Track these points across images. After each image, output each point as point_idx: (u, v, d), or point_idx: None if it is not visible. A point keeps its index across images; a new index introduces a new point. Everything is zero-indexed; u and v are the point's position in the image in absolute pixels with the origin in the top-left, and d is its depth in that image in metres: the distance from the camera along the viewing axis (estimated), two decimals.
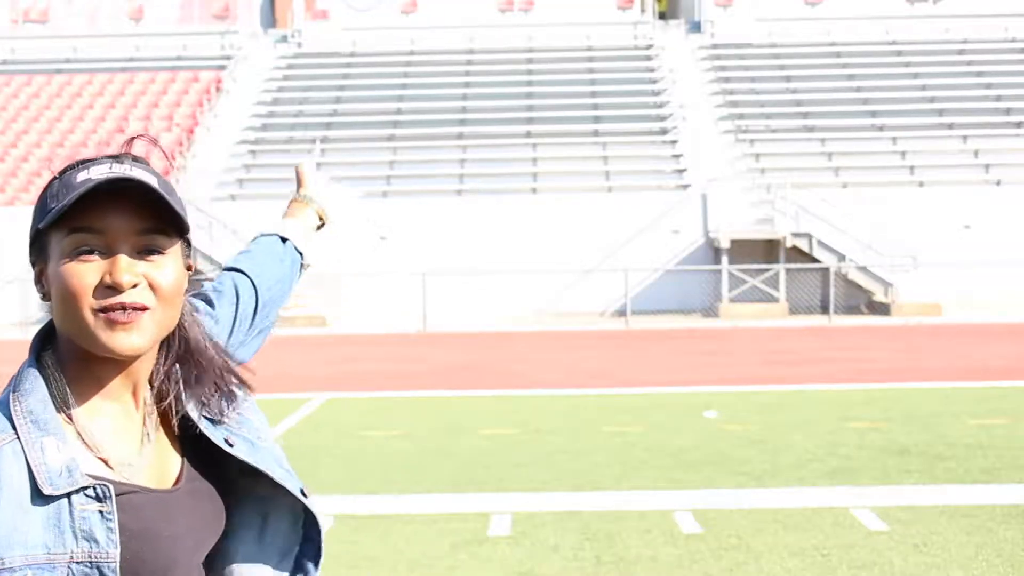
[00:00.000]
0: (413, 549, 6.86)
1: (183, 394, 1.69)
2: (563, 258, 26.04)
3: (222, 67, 33.49)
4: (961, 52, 32.92)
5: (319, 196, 2.29)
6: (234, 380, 1.76)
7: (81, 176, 1.58)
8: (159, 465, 1.65)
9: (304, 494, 1.74)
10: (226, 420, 1.72)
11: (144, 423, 1.65)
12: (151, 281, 1.58)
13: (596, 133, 29.79)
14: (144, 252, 1.58)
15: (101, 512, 1.54)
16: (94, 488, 1.55)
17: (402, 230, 26.49)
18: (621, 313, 24.94)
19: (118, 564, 1.54)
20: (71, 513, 1.53)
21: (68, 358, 1.61)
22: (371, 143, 29.81)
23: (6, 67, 33.82)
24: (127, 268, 1.56)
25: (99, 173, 1.57)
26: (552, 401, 13.05)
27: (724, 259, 25.21)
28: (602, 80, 32.40)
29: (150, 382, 1.67)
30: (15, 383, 1.60)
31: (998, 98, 30.36)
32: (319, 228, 2.28)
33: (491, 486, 8.56)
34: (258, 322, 2.06)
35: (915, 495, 8.06)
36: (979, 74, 31.68)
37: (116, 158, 1.62)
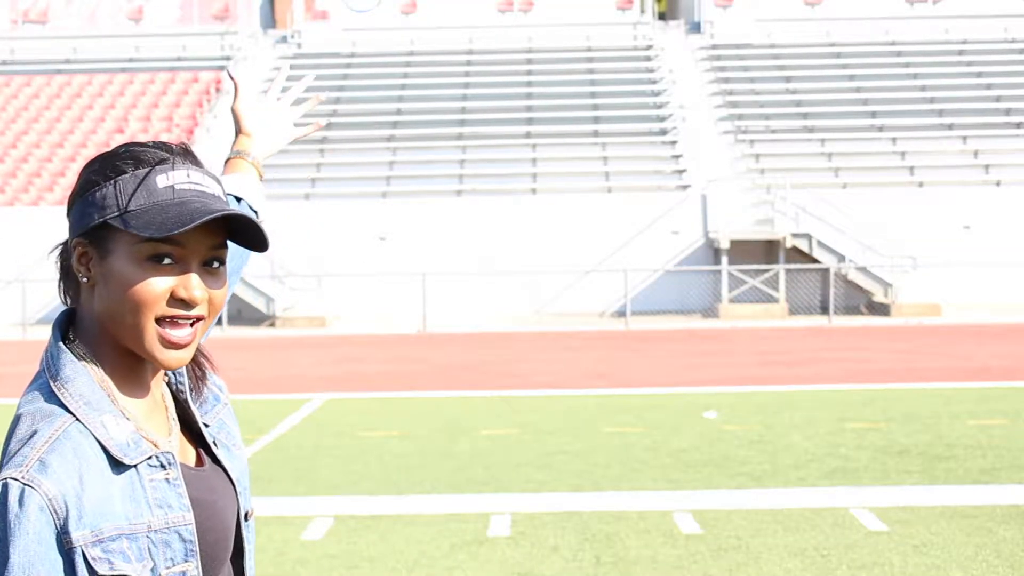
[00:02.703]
0: (413, 549, 6.86)
1: (189, 390, 1.76)
2: (563, 258, 26.04)
3: (222, 68, 33.49)
4: (961, 52, 32.92)
5: (261, 146, 2.25)
6: (217, 376, 1.83)
7: (161, 180, 1.59)
8: (183, 451, 1.70)
9: (246, 517, 1.77)
10: (211, 421, 1.77)
11: (167, 412, 1.70)
12: (210, 295, 1.63)
13: (596, 133, 29.80)
14: (208, 263, 1.62)
15: (167, 479, 1.60)
16: (157, 457, 1.60)
17: (402, 230, 26.49)
18: (621, 313, 24.94)
19: (194, 527, 1.60)
20: (141, 483, 1.58)
21: (103, 349, 1.63)
22: (371, 143, 29.82)
23: (6, 67, 33.82)
24: (199, 285, 1.60)
25: (179, 180, 1.60)
26: (552, 401, 13.05)
27: (724, 259, 25.21)
28: (602, 80, 32.40)
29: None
30: (53, 372, 1.61)
31: (998, 98, 30.36)
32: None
33: (491, 486, 8.56)
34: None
35: (915, 495, 8.06)
36: (979, 74, 31.68)
37: (183, 156, 1.64)
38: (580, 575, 6.31)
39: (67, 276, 1.68)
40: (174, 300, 1.58)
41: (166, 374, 1.73)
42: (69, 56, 34.42)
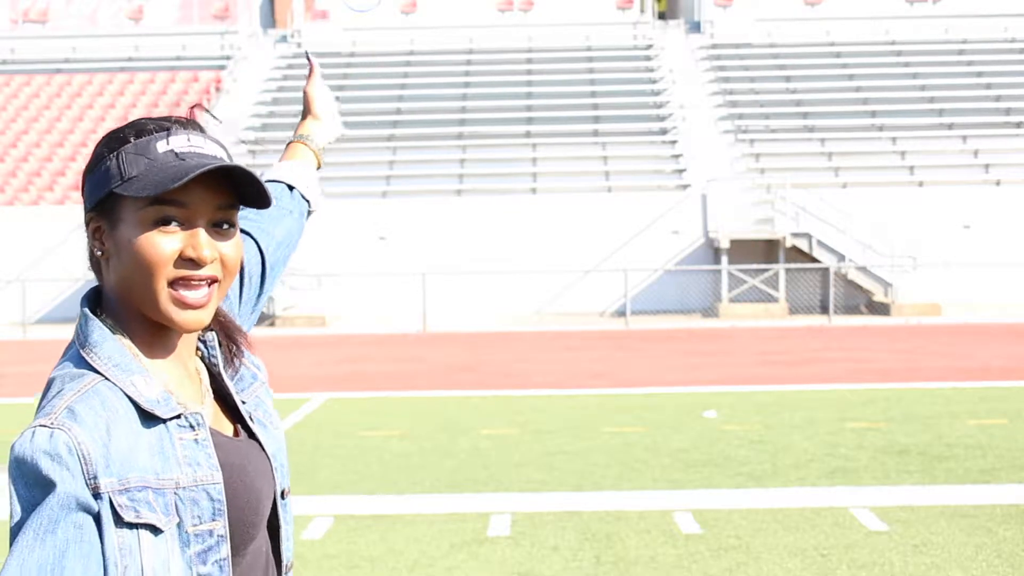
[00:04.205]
0: (413, 549, 6.86)
1: (222, 361, 1.76)
2: (563, 258, 26.04)
3: (222, 67, 33.50)
4: (961, 52, 32.93)
5: (326, 132, 2.25)
6: (249, 350, 1.83)
7: (161, 146, 1.61)
8: (217, 421, 1.71)
9: (283, 495, 1.77)
10: (247, 398, 1.77)
11: (200, 383, 1.71)
12: (222, 255, 1.63)
13: (596, 133, 29.80)
14: (217, 225, 1.63)
15: (196, 440, 1.61)
16: (186, 417, 1.61)
17: (402, 230, 26.49)
18: (621, 313, 24.94)
19: (223, 488, 1.61)
20: (171, 441, 1.59)
21: (129, 323, 1.65)
22: (371, 143, 29.82)
23: (6, 67, 33.82)
24: (208, 243, 1.61)
25: (179, 144, 1.62)
26: (552, 401, 13.04)
27: (724, 259, 25.21)
28: (602, 80, 32.40)
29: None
30: (82, 340, 1.62)
31: (998, 98, 30.37)
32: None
33: (491, 486, 8.56)
34: (266, 287, 2.06)
35: (915, 495, 8.06)
36: (979, 74, 31.69)
37: (184, 124, 1.66)
38: (580, 575, 6.31)
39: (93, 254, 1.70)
40: (183, 260, 1.60)
41: (198, 348, 1.74)
42: (69, 55, 34.42)
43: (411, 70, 33.34)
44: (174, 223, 1.59)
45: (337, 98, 2.42)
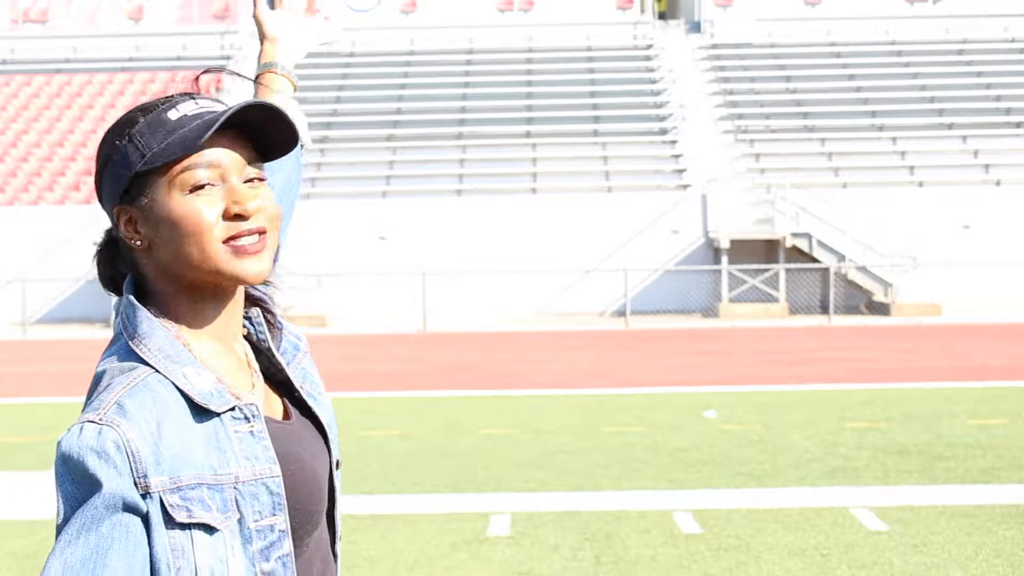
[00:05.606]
0: (413, 549, 6.86)
1: (268, 337, 1.72)
2: (563, 258, 26.04)
3: (222, 68, 33.48)
4: (961, 52, 32.93)
5: (290, 53, 2.19)
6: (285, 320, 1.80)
7: (172, 114, 1.58)
8: (268, 404, 1.67)
9: (337, 465, 1.74)
10: (294, 371, 1.74)
11: (249, 367, 1.67)
12: (263, 206, 1.59)
13: (596, 133, 29.80)
14: (248, 180, 1.60)
15: (252, 432, 1.57)
16: (241, 409, 1.57)
17: (402, 230, 26.50)
18: (621, 313, 24.94)
19: (282, 480, 1.57)
20: (227, 434, 1.55)
21: (178, 309, 1.60)
22: (371, 143, 29.82)
23: (6, 67, 33.82)
24: (250, 195, 1.58)
25: (189, 109, 1.58)
26: (552, 401, 13.05)
27: (724, 259, 25.21)
28: (602, 80, 32.40)
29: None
30: (131, 331, 1.57)
31: (998, 98, 30.37)
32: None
33: (491, 486, 8.56)
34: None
35: (915, 495, 8.06)
36: (979, 74, 31.69)
37: (187, 93, 1.63)
38: (580, 575, 6.31)
39: (110, 261, 1.66)
40: (229, 218, 1.56)
41: (244, 325, 1.70)
42: (69, 55, 34.42)
43: (411, 70, 33.35)
44: (208, 185, 1.56)
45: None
